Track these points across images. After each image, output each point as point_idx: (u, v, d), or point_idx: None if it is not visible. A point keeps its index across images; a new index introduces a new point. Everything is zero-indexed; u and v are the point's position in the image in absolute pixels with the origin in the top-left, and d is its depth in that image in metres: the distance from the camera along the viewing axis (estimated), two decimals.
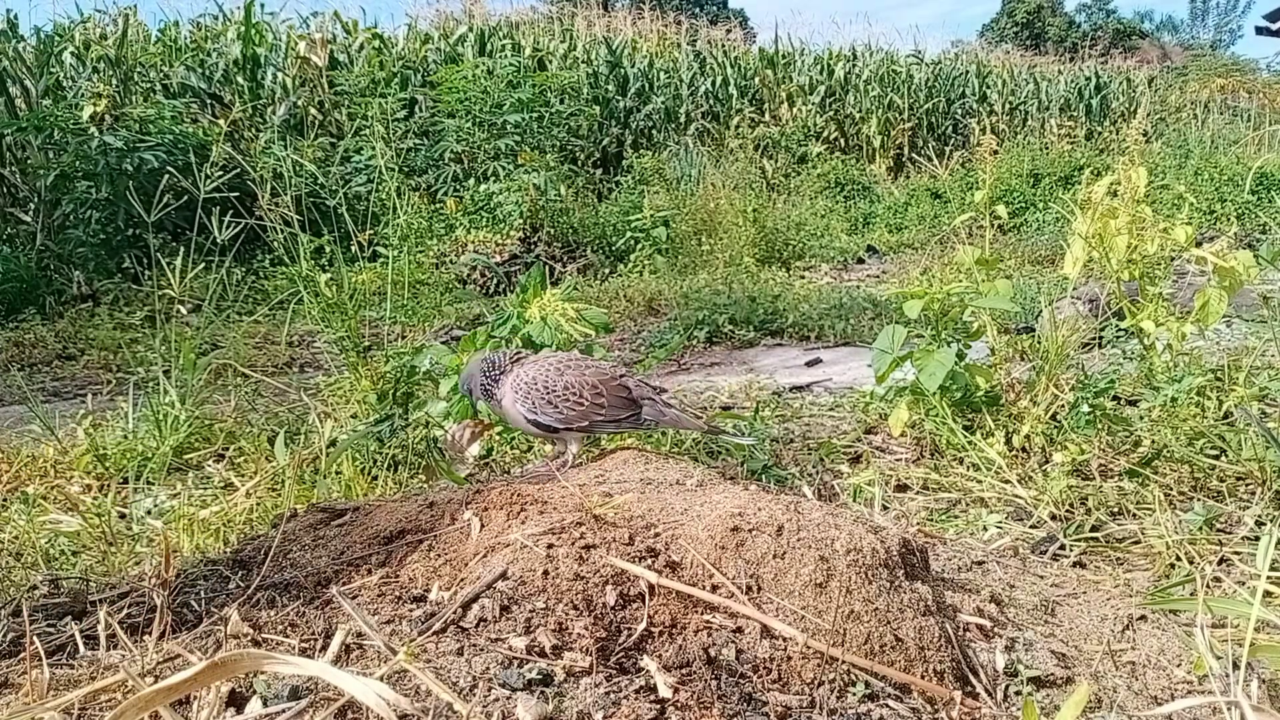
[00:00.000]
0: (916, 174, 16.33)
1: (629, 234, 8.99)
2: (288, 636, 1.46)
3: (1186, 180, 11.03)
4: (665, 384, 4.72)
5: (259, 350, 5.77)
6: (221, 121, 9.55)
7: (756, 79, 17.10)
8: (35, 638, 1.37)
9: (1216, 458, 2.78)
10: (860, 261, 10.29)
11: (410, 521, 1.83)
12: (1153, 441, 2.87)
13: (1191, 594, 1.96)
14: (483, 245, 8.61)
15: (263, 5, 12.39)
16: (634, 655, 1.42)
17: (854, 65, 18.32)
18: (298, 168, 4.02)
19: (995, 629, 1.68)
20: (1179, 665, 1.67)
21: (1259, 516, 2.41)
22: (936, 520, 2.65)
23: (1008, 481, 2.78)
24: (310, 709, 1.22)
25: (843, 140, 17.40)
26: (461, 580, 1.58)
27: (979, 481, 2.84)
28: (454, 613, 1.45)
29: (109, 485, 2.99)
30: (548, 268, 7.76)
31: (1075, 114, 19.70)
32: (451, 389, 2.96)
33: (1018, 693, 1.52)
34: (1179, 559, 2.25)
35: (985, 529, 2.55)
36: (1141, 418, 3.07)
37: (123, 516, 2.70)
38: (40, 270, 7.83)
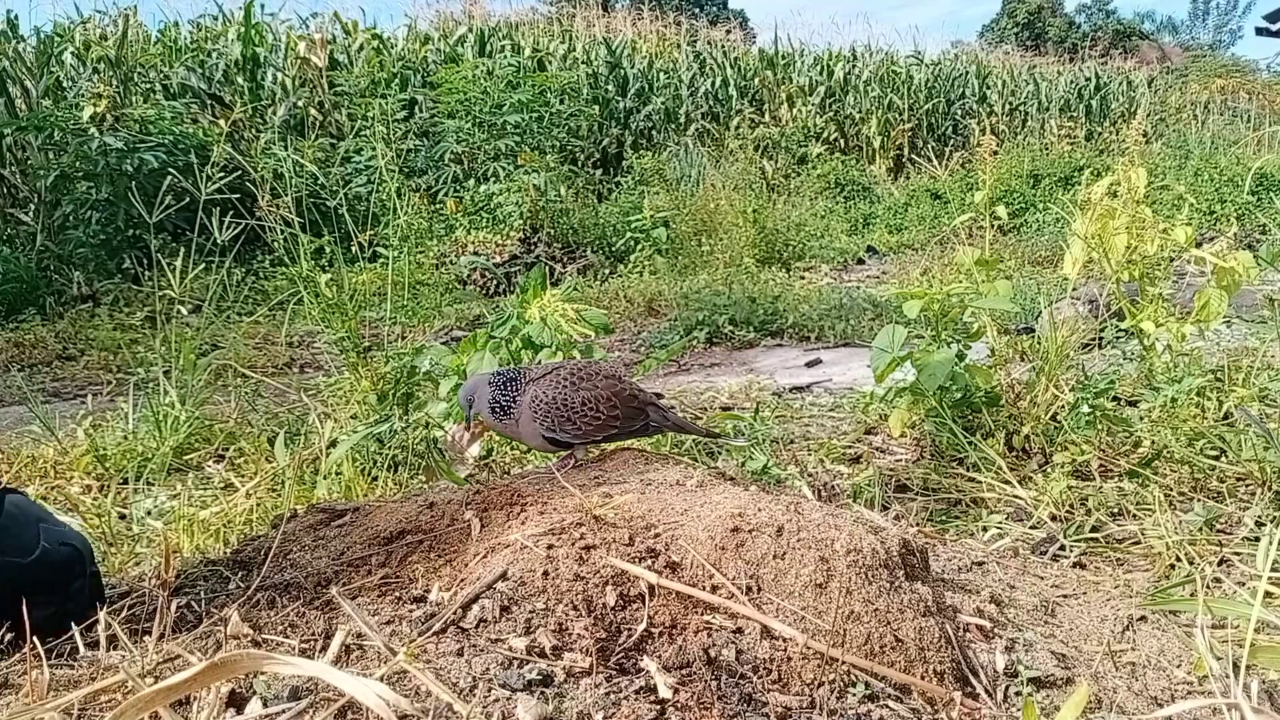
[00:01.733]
0: (916, 174, 16.33)
1: (629, 234, 8.99)
2: (288, 637, 1.46)
3: (1186, 181, 11.03)
4: (666, 385, 4.73)
5: (259, 351, 5.78)
6: (222, 122, 9.55)
7: (756, 80, 17.11)
8: (35, 638, 1.37)
9: (1216, 458, 2.78)
10: (860, 262, 10.29)
11: (410, 522, 1.83)
12: (1153, 442, 2.87)
13: (1191, 595, 1.96)
14: (483, 246, 8.61)
15: (262, 6, 12.41)
16: (634, 656, 1.42)
17: (854, 66, 18.33)
18: (298, 168, 4.02)
19: (995, 630, 1.68)
20: (1179, 666, 1.67)
21: (1259, 517, 2.40)
22: (936, 521, 2.65)
23: (1007, 482, 2.78)
24: (310, 709, 1.22)
25: (843, 141, 17.41)
26: (461, 581, 1.58)
27: (979, 482, 2.84)
28: (454, 613, 1.45)
29: (109, 486, 2.98)
30: (548, 268, 7.76)
31: (1075, 115, 19.71)
32: (452, 389, 2.96)
33: (1018, 693, 1.52)
34: (1179, 560, 2.25)
35: (985, 530, 2.55)
36: (1141, 418, 3.07)
37: (123, 517, 2.69)
38: (40, 271, 7.83)
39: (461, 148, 10.18)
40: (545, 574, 1.52)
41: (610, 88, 14.73)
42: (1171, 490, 2.66)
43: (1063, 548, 2.40)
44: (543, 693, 1.29)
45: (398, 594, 1.59)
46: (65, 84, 10.45)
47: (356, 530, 1.86)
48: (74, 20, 11.90)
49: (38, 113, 9.04)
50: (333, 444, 2.90)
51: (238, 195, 4.08)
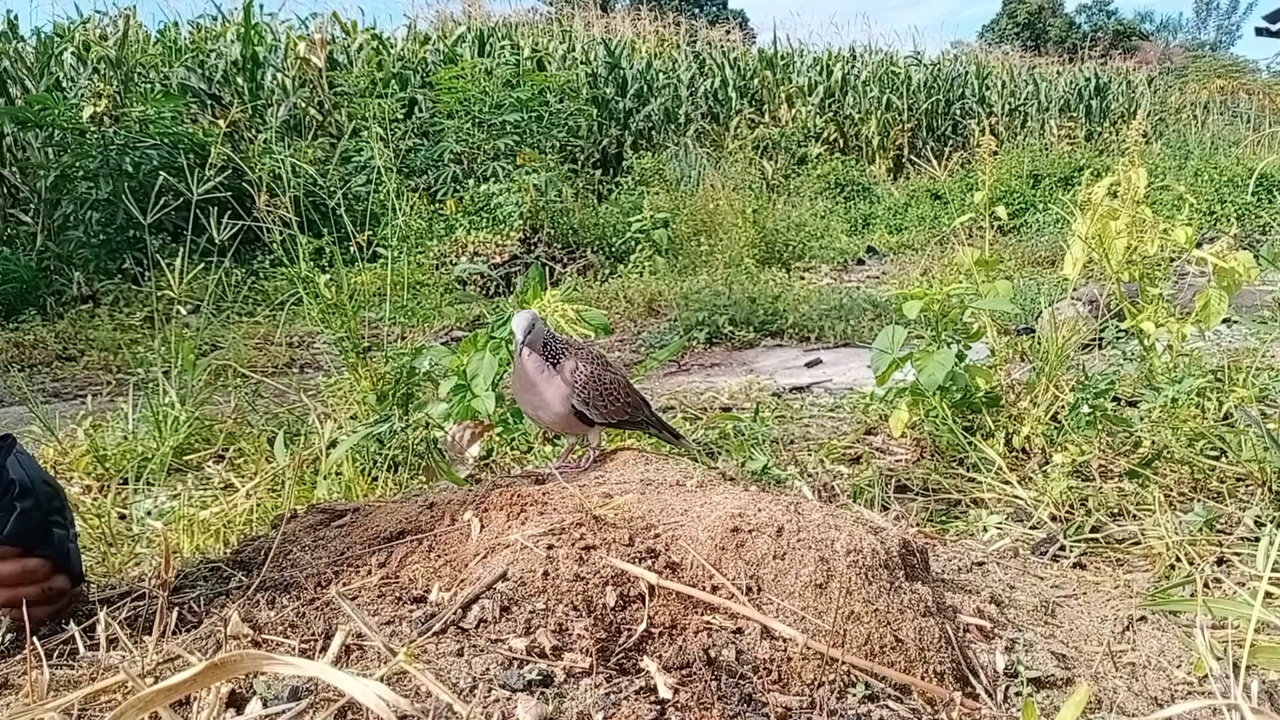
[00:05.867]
0: (916, 175, 16.34)
1: (629, 235, 9.00)
2: (288, 637, 1.46)
3: (1186, 181, 11.03)
4: (666, 385, 4.73)
5: (259, 351, 5.77)
6: (221, 122, 9.55)
7: (756, 80, 17.11)
8: (35, 638, 1.37)
9: (1216, 458, 2.78)
10: (860, 262, 10.29)
11: (410, 522, 1.83)
12: (1153, 442, 2.87)
13: (1191, 595, 1.96)
14: (483, 246, 8.61)
15: (262, 6, 12.43)
16: (634, 656, 1.42)
17: (853, 66, 18.34)
18: (296, 168, 4.02)
19: (995, 630, 1.68)
20: (1179, 666, 1.67)
21: (1258, 517, 2.41)
22: (936, 521, 2.65)
23: (1008, 482, 2.78)
24: (310, 710, 1.21)
25: (842, 141, 17.40)
26: (461, 581, 1.58)
27: (979, 482, 2.84)
28: (454, 613, 1.45)
29: (109, 486, 2.98)
30: (548, 268, 7.77)
31: (1075, 115, 19.71)
32: (452, 390, 2.96)
33: (1018, 694, 1.52)
34: (1179, 560, 2.25)
35: (985, 530, 2.55)
36: (1142, 418, 3.07)
37: (123, 517, 2.69)
38: (40, 271, 7.83)
39: (461, 147, 10.17)
40: (545, 574, 1.52)
41: (609, 88, 14.73)
42: (1171, 490, 2.66)
43: (1063, 548, 2.40)
44: (543, 693, 1.29)
45: (398, 594, 1.58)
46: (65, 84, 10.45)
47: (356, 530, 1.86)
48: (74, 20, 11.89)
49: (38, 98, 9.01)
50: (333, 444, 2.90)
51: (236, 195, 4.08)
